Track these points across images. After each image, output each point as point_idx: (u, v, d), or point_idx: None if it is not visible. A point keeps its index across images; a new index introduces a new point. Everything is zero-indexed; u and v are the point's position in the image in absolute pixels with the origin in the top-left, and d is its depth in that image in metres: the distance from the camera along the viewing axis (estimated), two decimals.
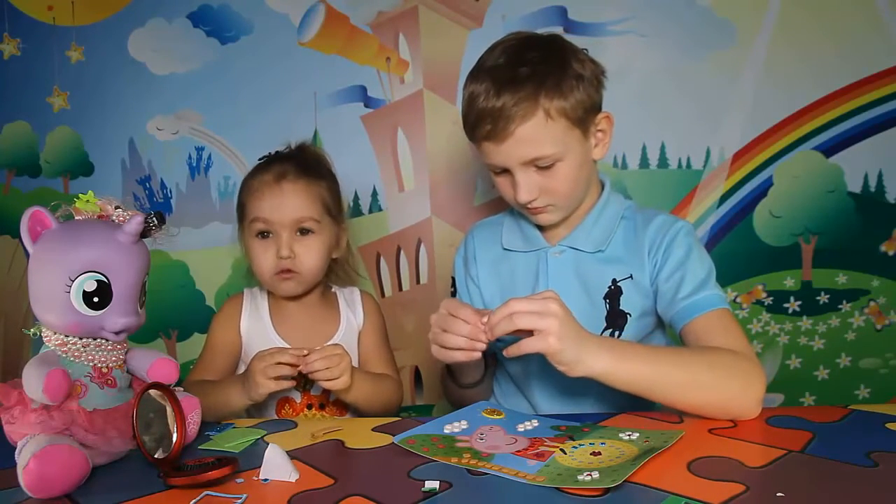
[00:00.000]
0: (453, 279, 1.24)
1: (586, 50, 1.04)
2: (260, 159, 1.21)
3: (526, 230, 1.13)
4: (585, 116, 1.00)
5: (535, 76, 0.96)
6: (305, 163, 1.17)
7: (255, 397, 1.04)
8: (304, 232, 1.15)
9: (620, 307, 1.06)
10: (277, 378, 1.02)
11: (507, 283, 1.14)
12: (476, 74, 1.01)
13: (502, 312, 0.83)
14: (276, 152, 1.21)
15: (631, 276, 1.06)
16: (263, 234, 1.14)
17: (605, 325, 1.07)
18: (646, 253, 1.05)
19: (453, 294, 1.23)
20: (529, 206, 1.03)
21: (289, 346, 1.13)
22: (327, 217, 1.17)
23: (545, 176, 1.00)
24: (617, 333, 1.06)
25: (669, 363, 0.87)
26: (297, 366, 1.02)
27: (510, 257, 1.14)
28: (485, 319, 0.87)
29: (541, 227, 1.11)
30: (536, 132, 0.97)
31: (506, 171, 1.02)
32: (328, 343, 1.17)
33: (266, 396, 1.04)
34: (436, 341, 0.93)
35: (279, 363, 1.01)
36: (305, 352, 1.03)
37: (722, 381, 0.87)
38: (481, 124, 0.98)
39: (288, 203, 1.12)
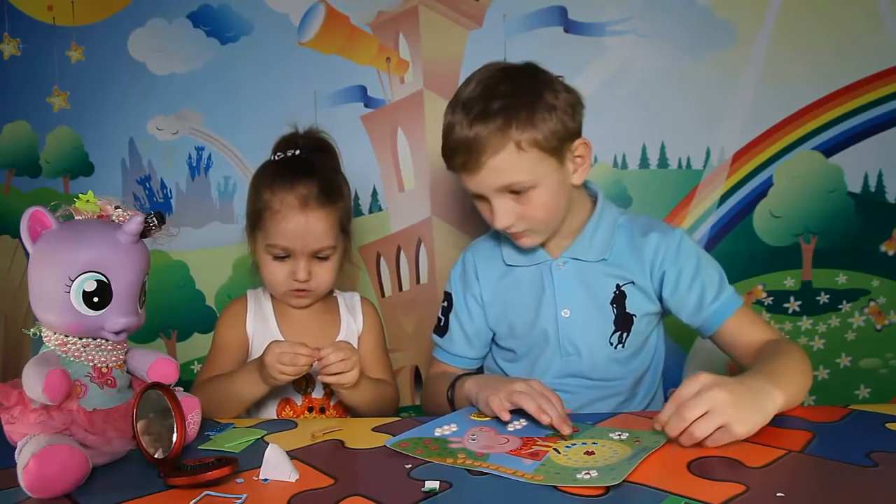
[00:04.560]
0: (447, 294, 1.22)
1: (562, 77, 1.05)
2: (276, 154, 1.18)
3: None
4: (560, 145, 1.01)
5: (506, 110, 0.98)
6: (327, 182, 1.14)
7: (271, 382, 1.04)
8: (321, 256, 1.15)
9: (627, 310, 1.09)
10: (297, 373, 1.01)
11: (512, 297, 1.15)
12: (454, 105, 1.03)
13: (672, 410, 0.78)
14: (294, 154, 1.17)
15: (633, 282, 1.09)
16: (280, 257, 1.14)
17: (614, 328, 1.10)
18: (647, 261, 1.09)
19: (447, 308, 1.21)
20: (508, 230, 1.05)
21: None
22: (341, 236, 1.17)
23: (521, 202, 1.02)
24: (626, 335, 1.10)
25: (791, 371, 0.90)
26: (313, 360, 1.02)
27: (513, 272, 1.15)
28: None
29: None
30: (507, 163, 0.99)
31: (483, 198, 1.05)
32: None
33: (282, 383, 1.04)
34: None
35: (298, 363, 1.01)
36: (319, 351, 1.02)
37: (807, 367, 0.94)
38: (456, 155, 1.01)
39: (311, 233, 1.11)
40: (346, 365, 1.02)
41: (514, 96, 0.99)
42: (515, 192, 1.01)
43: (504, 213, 1.03)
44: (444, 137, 1.04)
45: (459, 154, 1.01)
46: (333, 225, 1.14)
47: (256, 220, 1.15)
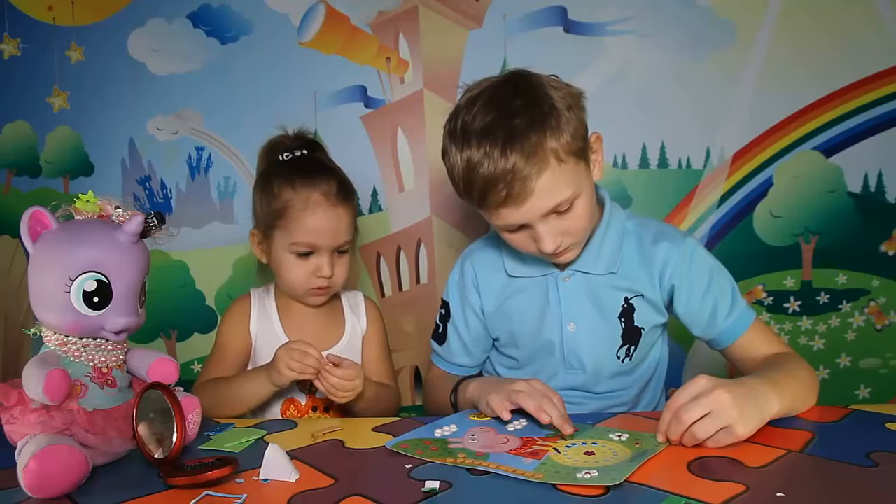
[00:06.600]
0: (444, 302, 1.19)
1: (555, 76, 1.00)
2: (284, 154, 1.17)
3: (529, 257, 1.08)
4: (584, 145, 0.97)
5: (534, 124, 0.91)
6: (343, 178, 1.16)
7: (275, 377, 1.04)
8: (341, 251, 1.16)
9: (635, 324, 1.06)
10: (301, 371, 1.02)
11: (515, 306, 1.11)
12: (464, 138, 0.94)
13: (669, 417, 0.79)
14: (303, 153, 1.17)
15: (642, 295, 1.06)
16: (304, 254, 1.13)
17: (621, 342, 1.07)
18: (656, 272, 1.05)
19: (444, 317, 1.19)
20: (555, 251, 0.98)
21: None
22: (355, 232, 1.19)
23: (565, 218, 0.96)
24: (633, 348, 1.08)
25: (793, 381, 0.90)
26: (319, 369, 1.03)
27: (515, 283, 1.11)
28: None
29: None
30: (554, 180, 0.92)
31: (522, 226, 0.98)
32: (334, 347, 1.19)
33: (288, 384, 1.06)
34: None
35: (306, 361, 1.02)
36: (328, 360, 1.03)
37: (811, 381, 0.94)
38: (493, 191, 0.92)
39: (337, 228, 1.13)
40: (345, 386, 1.03)
41: (533, 107, 0.92)
42: (560, 211, 0.94)
43: (552, 236, 0.95)
44: (468, 175, 0.94)
45: (498, 189, 0.91)
46: (352, 220, 1.17)
47: (275, 219, 1.13)
